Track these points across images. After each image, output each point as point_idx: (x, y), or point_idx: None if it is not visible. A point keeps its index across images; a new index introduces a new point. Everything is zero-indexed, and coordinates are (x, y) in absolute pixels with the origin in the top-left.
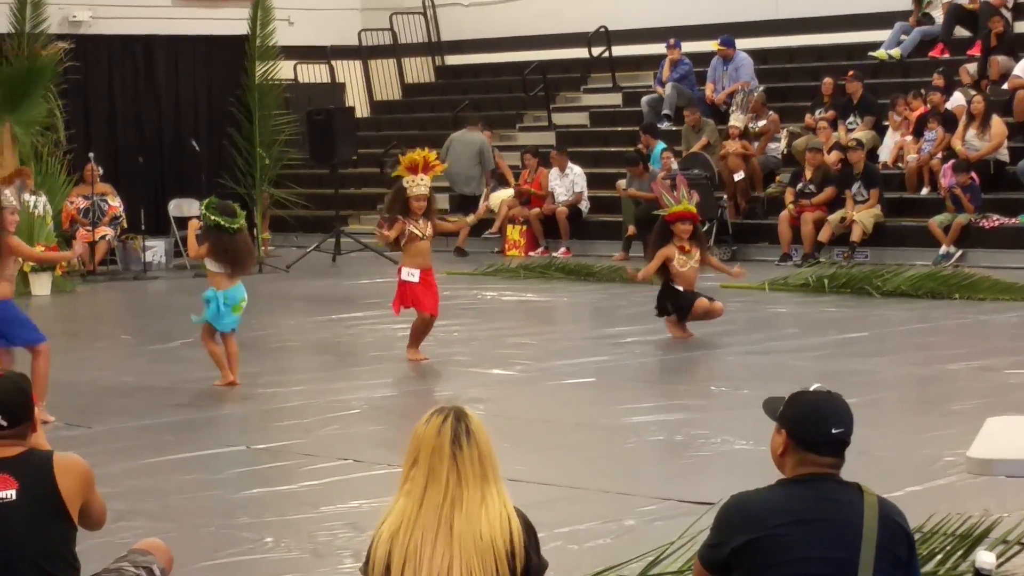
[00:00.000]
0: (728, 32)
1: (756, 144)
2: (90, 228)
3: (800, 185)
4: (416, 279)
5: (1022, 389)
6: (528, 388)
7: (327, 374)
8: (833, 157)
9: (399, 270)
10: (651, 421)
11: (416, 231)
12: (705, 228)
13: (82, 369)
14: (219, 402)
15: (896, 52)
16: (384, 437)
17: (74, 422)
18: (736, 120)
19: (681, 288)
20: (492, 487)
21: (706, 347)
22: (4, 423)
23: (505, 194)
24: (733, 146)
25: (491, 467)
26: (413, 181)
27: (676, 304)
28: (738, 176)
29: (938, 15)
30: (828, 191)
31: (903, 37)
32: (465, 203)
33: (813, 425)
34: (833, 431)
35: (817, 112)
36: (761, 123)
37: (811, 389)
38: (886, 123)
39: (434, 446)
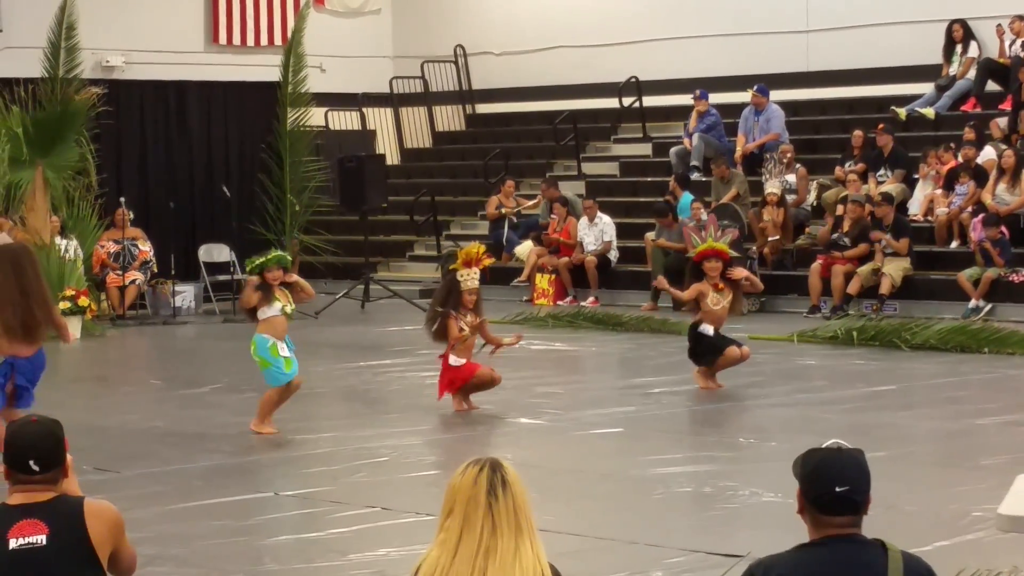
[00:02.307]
0: (759, 83)
1: (792, 198)
2: (120, 272)
3: (836, 235)
4: (462, 364)
5: None
6: (556, 437)
7: (355, 421)
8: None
9: (446, 356)
10: (679, 472)
11: (466, 328)
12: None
13: (112, 414)
14: (248, 448)
15: (930, 112)
16: (412, 485)
17: (103, 467)
18: (772, 187)
19: (710, 330)
20: (526, 539)
21: (734, 399)
22: (36, 468)
23: (531, 244)
24: (770, 214)
25: (526, 519)
26: (466, 275)
27: (704, 351)
28: (773, 238)
29: (954, 69)
30: (863, 246)
31: (931, 90)
32: None
33: (818, 484)
34: (837, 489)
35: (847, 164)
36: (791, 177)
37: (823, 446)
38: (916, 176)
39: (470, 496)
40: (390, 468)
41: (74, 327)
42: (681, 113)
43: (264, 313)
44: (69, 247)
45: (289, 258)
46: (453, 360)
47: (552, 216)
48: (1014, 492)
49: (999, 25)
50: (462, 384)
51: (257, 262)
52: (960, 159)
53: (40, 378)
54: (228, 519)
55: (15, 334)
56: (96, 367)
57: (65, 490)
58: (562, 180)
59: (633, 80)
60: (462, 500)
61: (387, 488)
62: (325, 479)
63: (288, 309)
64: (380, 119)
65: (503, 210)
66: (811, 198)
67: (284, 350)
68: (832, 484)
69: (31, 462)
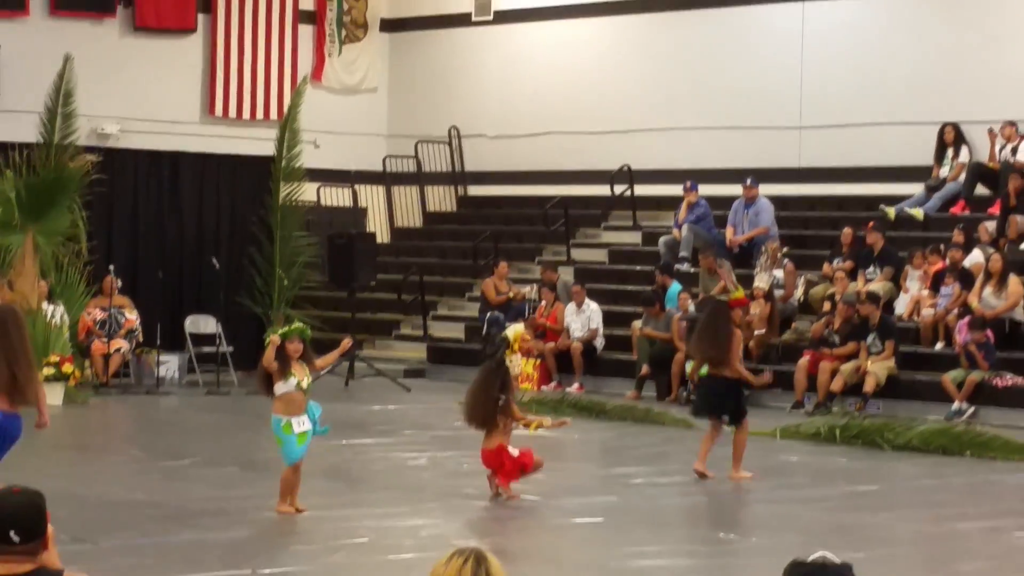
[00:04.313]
0: (750, 176)
1: (779, 293)
2: (105, 340)
3: (825, 333)
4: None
5: None
6: (536, 525)
7: (336, 500)
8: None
9: (505, 445)
10: (658, 566)
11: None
12: None
13: (91, 483)
14: (227, 523)
15: (919, 212)
16: (391, 568)
17: (81, 537)
18: (761, 282)
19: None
20: None
21: (715, 492)
22: (16, 539)
23: (519, 327)
24: (757, 308)
25: None
26: (513, 360)
27: (741, 405)
28: (759, 332)
29: (945, 172)
30: (851, 345)
31: (922, 191)
32: None
33: None
34: None
35: (835, 261)
36: (778, 272)
37: (809, 559)
38: (903, 276)
39: None
40: (369, 550)
41: (57, 394)
42: (672, 203)
43: (279, 389)
44: (56, 313)
45: (309, 332)
46: (512, 451)
47: (541, 301)
48: None
49: (990, 129)
50: (531, 470)
51: (279, 332)
52: (947, 261)
53: (10, 447)
54: None
55: None
56: (77, 435)
57: (45, 562)
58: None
59: (625, 168)
60: None
61: (365, 570)
62: (303, 558)
63: (304, 384)
64: (372, 197)
65: (512, 294)
66: (798, 294)
67: (300, 425)
68: None
69: (11, 532)
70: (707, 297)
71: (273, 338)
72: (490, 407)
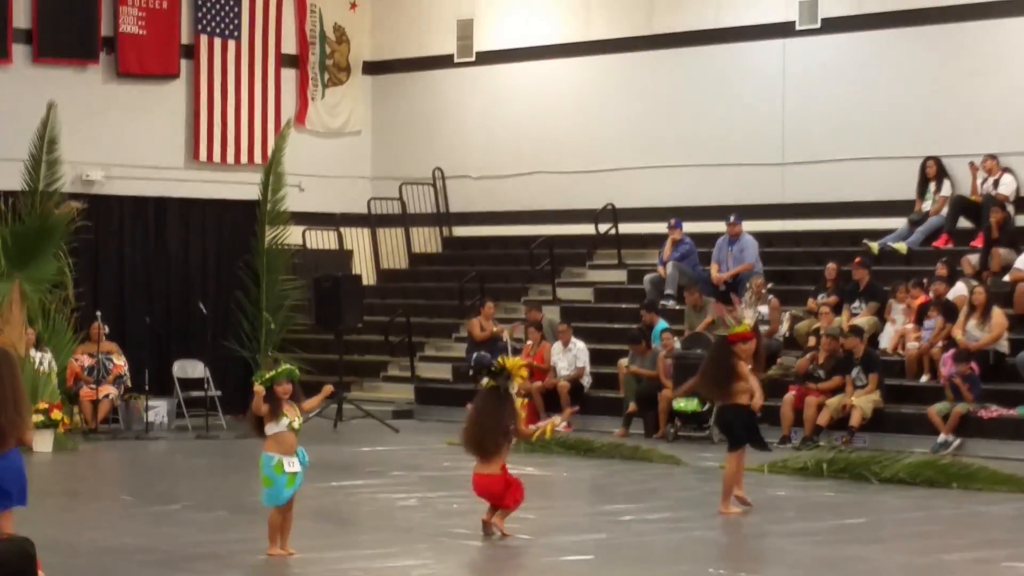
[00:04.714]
0: (734, 213)
1: (765, 329)
2: (94, 386)
3: (811, 367)
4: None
5: None
6: (526, 563)
7: (326, 542)
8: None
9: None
10: None
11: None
12: (705, 408)
13: (81, 529)
14: (218, 568)
15: (902, 246)
16: None
17: None
18: (746, 318)
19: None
20: None
21: (703, 528)
22: None
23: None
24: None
25: None
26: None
27: (755, 431)
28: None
29: (927, 206)
30: (836, 379)
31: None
32: None
33: None
34: None
35: (820, 296)
36: (763, 308)
37: None
38: (887, 310)
39: None
40: None
41: (46, 441)
42: (656, 241)
43: (271, 429)
44: (43, 360)
45: (298, 372)
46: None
47: (527, 340)
48: None
49: (972, 163)
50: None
51: (267, 375)
52: (931, 294)
53: (18, 479)
54: None
55: None
56: (66, 481)
57: None
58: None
59: (609, 207)
60: None
61: None
62: None
63: (296, 424)
64: (357, 239)
65: (505, 331)
66: (783, 329)
67: (290, 466)
68: None
69: None
70: (693, 334)
71: (257, 388)
72: (500, 437)
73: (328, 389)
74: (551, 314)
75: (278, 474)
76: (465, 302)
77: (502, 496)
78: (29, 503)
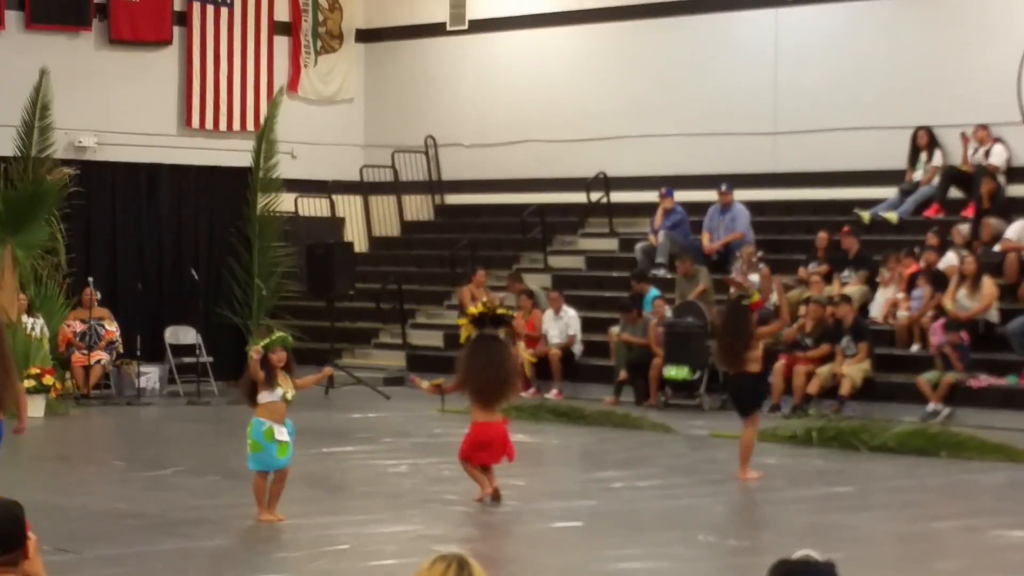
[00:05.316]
0: (725, 182)
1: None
2: (86, 352)
3: (798, 336)
4: None
5: (1007, 550)
6: (516, 529)
7: (317, 508)
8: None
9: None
10: (638, 569)
11: None
12: (696, 376)
13: (73, 494)
14: (210, 532)
15: (893, 216)
16: (372, 574)
17: (63, 547)
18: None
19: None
20: None
21: (693, 495)
22: None
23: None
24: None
25: None
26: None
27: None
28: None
29: (918, 175)
30: (824, 347)
31: (896, 196)
32: None
33: None
34: None
35: (811, 265)
36: (754, 277)
37: (793, 557)
38: (878, 279)
39: None
40: (351, 556)
41: (38, 406)
42: (648, 210)
43: (264, 398)
44: (35, 325)
45: (291, 340)
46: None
47: (518, 309)
48: None
49: (963, 133)
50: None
51: (261, 343)
52: (922, 264)
53: None
54: None
55: None
56: (58, 446)
57: (28, 572)
58: (528, 273)
59: (601, 176)
60: None
61: None
62: (285, 566)
63: (289, 395)
64: (349, 207)
65: (497, 302)
66: (774, 298)
67: (280, 435)
68: None
69: None
70: (684, 302)
71: (253, 352)
72: (506, 385)
73: (328, 371)
74: (543, 282)
75: (268, 441)
76: (457, 270)
77: (504, 443)
78: (21, 467)
